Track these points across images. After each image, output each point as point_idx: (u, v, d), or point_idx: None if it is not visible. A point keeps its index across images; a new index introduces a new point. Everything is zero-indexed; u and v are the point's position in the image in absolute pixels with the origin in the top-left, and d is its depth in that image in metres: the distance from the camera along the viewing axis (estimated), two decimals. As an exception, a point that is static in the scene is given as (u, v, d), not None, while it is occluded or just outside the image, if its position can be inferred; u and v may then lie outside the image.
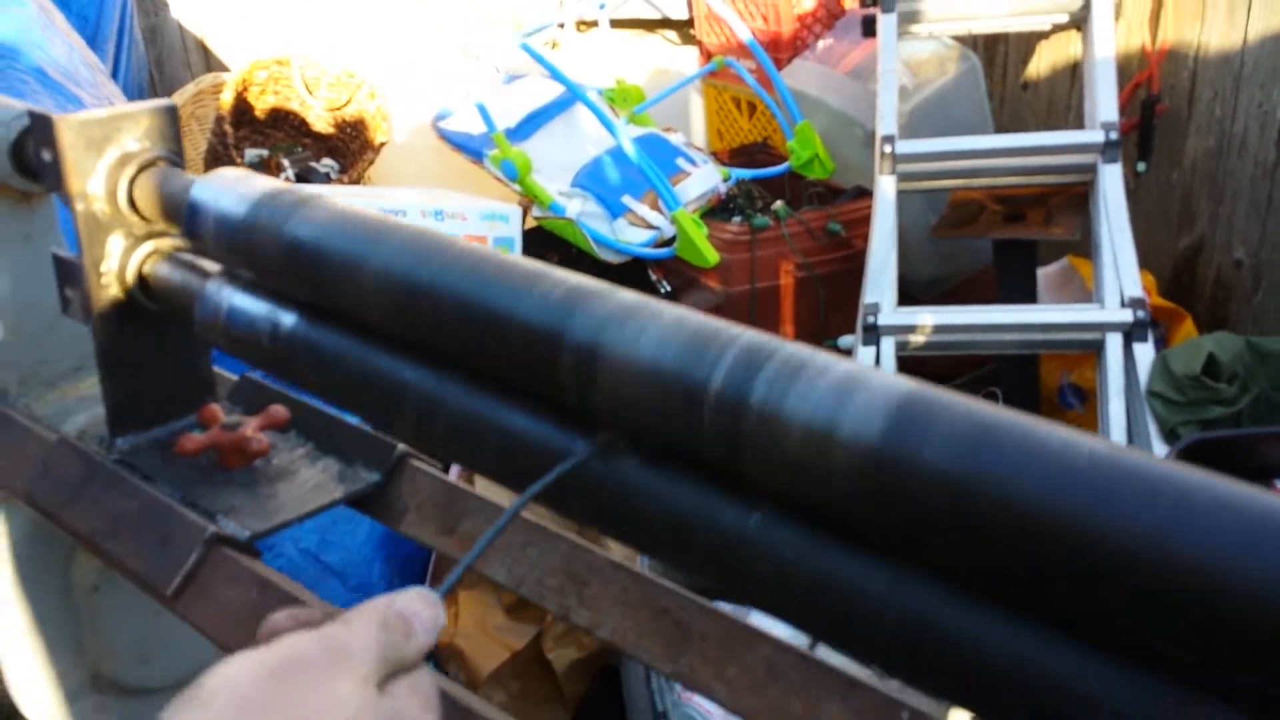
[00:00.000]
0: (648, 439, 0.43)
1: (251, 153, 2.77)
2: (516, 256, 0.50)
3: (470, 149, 2.55)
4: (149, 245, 0.68)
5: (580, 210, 2.40)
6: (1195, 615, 0.30)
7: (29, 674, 0.77)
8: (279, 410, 0.72)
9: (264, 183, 0.59)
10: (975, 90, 2.34)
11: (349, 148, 2.74)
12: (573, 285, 0.46)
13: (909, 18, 2.09)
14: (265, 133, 2.82)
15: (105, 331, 0.67)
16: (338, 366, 0.54)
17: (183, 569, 0.60)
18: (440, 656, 1.55)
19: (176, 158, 0.67)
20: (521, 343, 0.44)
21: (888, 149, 2.05)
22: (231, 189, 0.59)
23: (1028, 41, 2.48)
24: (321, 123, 2.79)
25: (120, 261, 0.66)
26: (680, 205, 2.25)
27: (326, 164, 2.78)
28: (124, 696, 0.80)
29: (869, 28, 2.13)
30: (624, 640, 0.58)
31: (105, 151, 0.64)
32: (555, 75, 2.36)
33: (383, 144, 2.61)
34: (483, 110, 2.46)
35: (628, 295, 0.44)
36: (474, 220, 2.25)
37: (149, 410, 0.71)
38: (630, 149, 2.26)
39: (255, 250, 0.56)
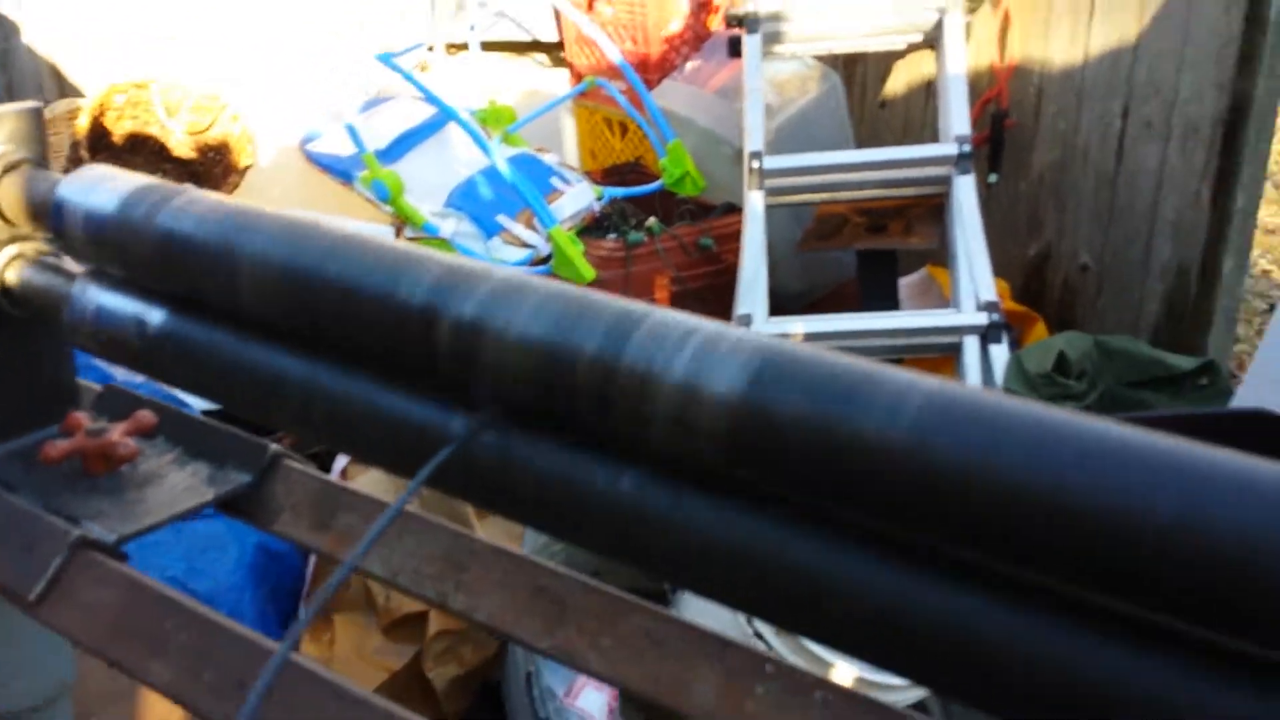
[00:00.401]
0: (525, 412, 0.45)
1: (110, 178, 2.68)
2: (391, 241, 0.51)
3: (338, 170, 2.53)
4: (12, 249, 0.66)
5: (454, 230, 2.40)
6: (1026, 535, 0.33)
7: None
8: (146, 415, 0.71)
9: (133, 178, 0.59)
10: (837, 108, 2.43)
11: (212, 172, 2.68)
12: (448, 265, 0.47)
13: (772, 38, 2.16)
14: (124, 159, 2.74)
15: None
16: (211, 360, 0.54)
17: (46, 574, 0.59)
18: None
19: (42, 160, 0.66)
20: (399, 323, 0.45)
21: (755, 164, 2.11)
22: (99, 184, 0.58)
23: (885, 61, 2.59)
24: (183, 148, 2.72)
25: (-15, 261, 0.64)
26: (556, 223, 2.27)
27: (188, 188, 2.71)
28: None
29: (735, 48, 2.19)
30: (501, 622, 0.59)
31: (-29, 147, 0.63)
32: (426, 95, 2.36)
33: (247, 167, 2.56)
34: (352, 131, 2.44)
35: (502, 271, 0.46)
36: (346, 241, 2.23)
37: (12, 419, 0.69)
38: (505, 168, 2.27)
39: (125, 245, 0.56)
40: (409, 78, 2.39)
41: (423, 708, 1.53)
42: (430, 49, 2.88)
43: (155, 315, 0.57)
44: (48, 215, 0.60)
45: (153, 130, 2.69)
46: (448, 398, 0.47)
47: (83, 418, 0.69)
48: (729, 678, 0.51)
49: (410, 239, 2.47)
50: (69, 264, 0.68)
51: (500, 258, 2.37)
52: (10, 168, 0.65)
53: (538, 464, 0.44)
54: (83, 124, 2.43)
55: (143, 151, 2.76)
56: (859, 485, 0.36)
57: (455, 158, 2.53)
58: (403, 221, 2.45)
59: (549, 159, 2.59)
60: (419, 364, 0.46)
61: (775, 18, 2.09)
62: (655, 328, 0.41)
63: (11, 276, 0.65)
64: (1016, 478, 0.32)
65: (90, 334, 0.60)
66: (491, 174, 2.38)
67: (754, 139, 2.11)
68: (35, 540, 0.59)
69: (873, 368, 0.37)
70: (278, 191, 2.72)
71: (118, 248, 0.57)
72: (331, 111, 2.65)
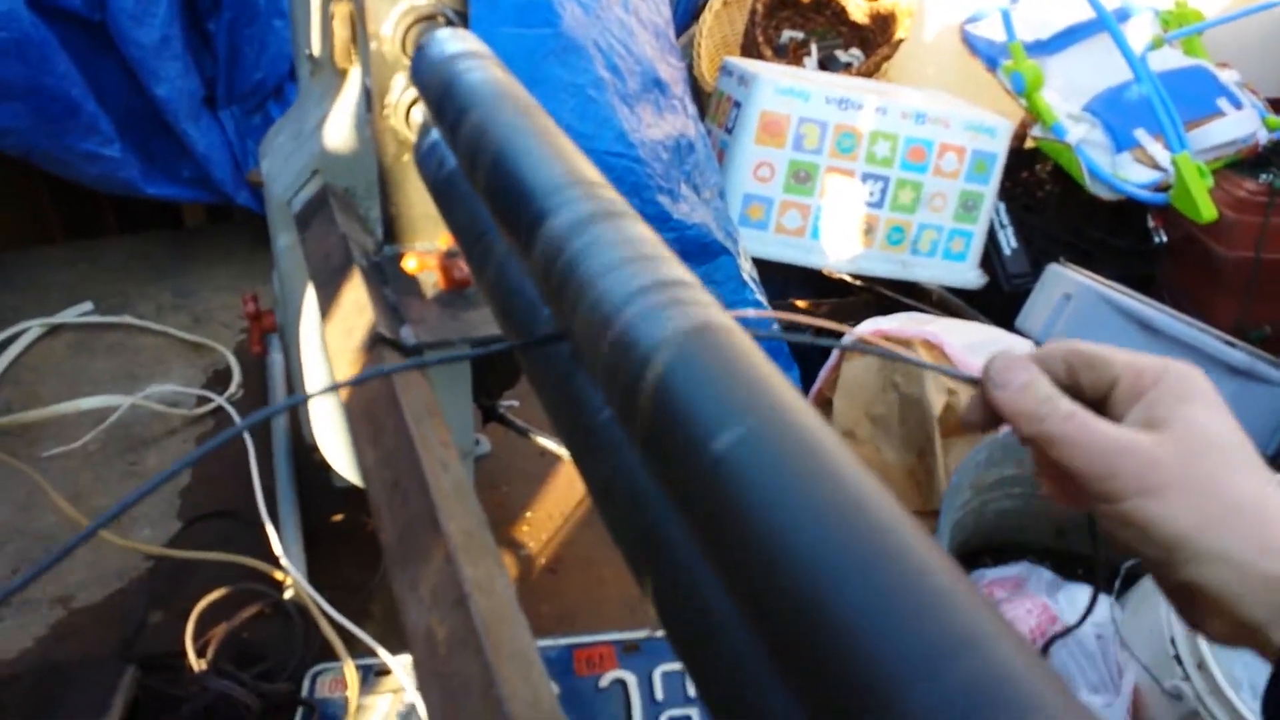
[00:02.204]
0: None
1: (787, 34, 2.88)
2: (579, 159, 0.53)
3: (987, 56, 2.44)
4: (414, 92, 0.79)
5: (1083, 137, 2.22)
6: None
7: (332, 429, 0.97)
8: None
9: (468, 41, 0.67)
10: None
11: (876, 40, 2.74)
12: (589, 208, 0.48)
13: None
14: (808, 16, 2.91)
15: (383, 155, 0.82)
16: (459, 214, 0.62)
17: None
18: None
19: (456, 16, 0.78)
20: (521, 225, 0.49)
21: None
22: (446, 41, 0.67)
23: None
24: (859, 12, 2.81)
25: (399, 98, 0.79)
26: (1185, 148, 1.99)
27: (853, 54, 2.81)
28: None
29: None
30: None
31: (400, 1, 0.76)
32: (1085, -12, 2.17)
33: (900, 40, 2.58)
34: (1005, 16, 2.34)
35: (608, 204, 0.47)
36: (956, 128, 2.18)
37: (412, 228, 0.86)
38: (1146, 78, 2.03)
39: (426, 86, 0.65)
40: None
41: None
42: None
43: (448, 161, 0.66)
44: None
45: (833, -8, 2.81)
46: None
47: (451, 240, 0.82)
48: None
49: (1036, 138, 2.34)
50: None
51: (1123, 175, 2.15)
52: (424, 18, 0.77)
53: (566, 378, 0.47)
54: (767, -20, 2.63)
55: (824, 12, 2.91)
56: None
57: (1114, 61, 2.31)
58: (1033, 118, 2.32)
59: (1226, 76, 2.25)
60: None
61: None
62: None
63: (413, 113, 0.79)
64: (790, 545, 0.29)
65: (420, 163, 0.71)
66: (1146, 82, 2.14)
67: None
68: (354, 328, 0.74)
69: (759, 370, 0.34)
70: (933, 70, 2.70)
71: (423, 88, 0.66)
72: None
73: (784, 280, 2.28)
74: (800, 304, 2.08)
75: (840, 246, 2.18)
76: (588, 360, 0.44)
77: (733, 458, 0.32)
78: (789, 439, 0.32)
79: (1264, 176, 2.04)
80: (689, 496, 0.35)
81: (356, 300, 0.82)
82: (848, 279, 2.19)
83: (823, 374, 1.72)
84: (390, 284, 0.82)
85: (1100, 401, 0.46)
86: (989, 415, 0.47)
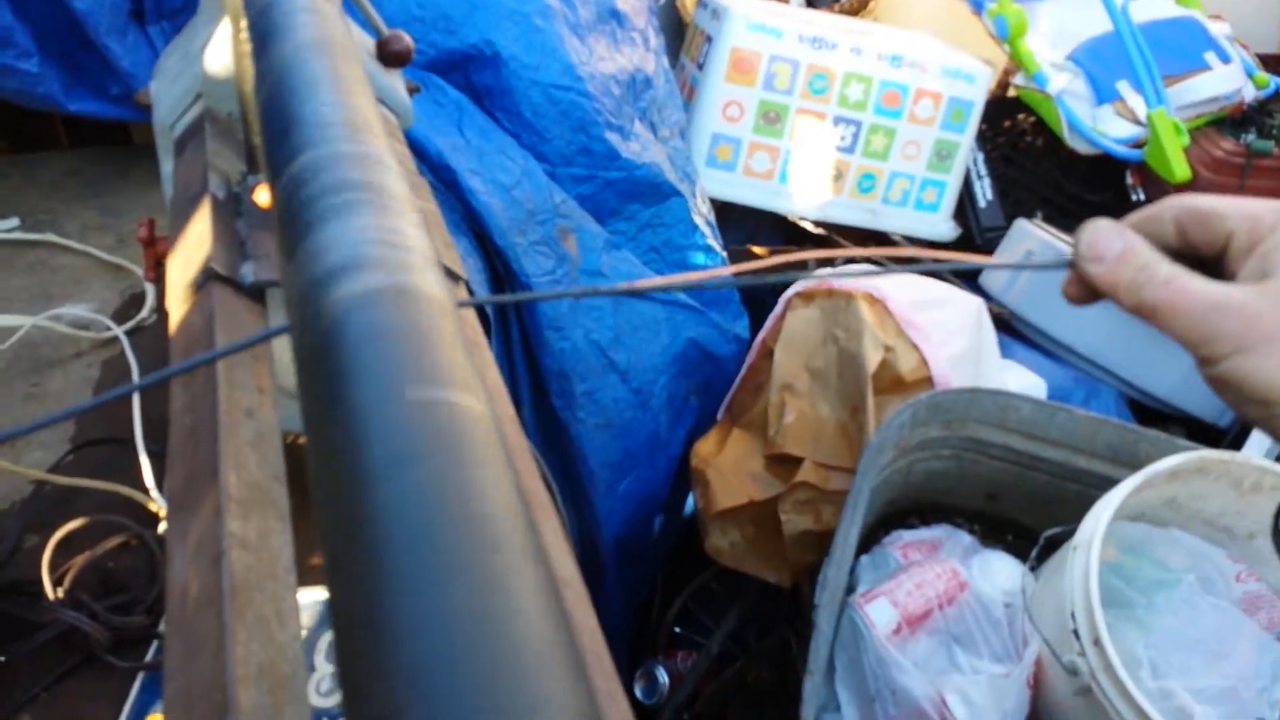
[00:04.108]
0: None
1: (776, -33, 2.80)
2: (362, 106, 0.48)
3: (973, 0, 2.36)
4: None
5: (1064, 88, 2.15)
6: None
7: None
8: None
9: None
10: None
11: (866, -24, 2.66)
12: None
13: None
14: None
15: (242, 80, 0.78)
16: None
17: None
18: (692, 478, 1.60)
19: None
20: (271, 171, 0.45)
21: None
22: None
23: None
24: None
25: (251, 23, 0.75)
26: (1162, 103, 1.92)
27: (843, -10, 2.73)
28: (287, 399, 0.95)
29: None
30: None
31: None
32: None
33: (887, -22, 2.50)
34: (995, -43, 2.25)
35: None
36: (933, 73, 2.11)
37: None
38: (1127, 28, 1.95)
39: (249, 12, 0.60)
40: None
41: (775, 544, 1.55)
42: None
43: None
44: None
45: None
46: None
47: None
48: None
49: (1018, 87, 2.26)
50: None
51: (1101, 129, 2.09)
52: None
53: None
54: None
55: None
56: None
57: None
58: (1015, 65, 2.24)
59: (1217, 29, 2.16)
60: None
61: None
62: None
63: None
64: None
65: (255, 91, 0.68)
66: (1124, 31, 2.06)
67: None
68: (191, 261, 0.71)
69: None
70: (920, 11, 2.62)
71: (247, 7, 0.62)
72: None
73: (754, 225, 2.23)
74: (758, 251, 2.03)
75: (809, 192, 2.12)
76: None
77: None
78: (439, 430, 0.29)
79: (1244, 137, 1.96)
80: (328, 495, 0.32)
81: (200, 232, 0.78)
82: (811, 228, 2.14)
83: (769, 322, 1.69)
84: (245, 216, 0.78)
85: (1218, 260, 0.42)
86: (1086, 291, 0.44)
